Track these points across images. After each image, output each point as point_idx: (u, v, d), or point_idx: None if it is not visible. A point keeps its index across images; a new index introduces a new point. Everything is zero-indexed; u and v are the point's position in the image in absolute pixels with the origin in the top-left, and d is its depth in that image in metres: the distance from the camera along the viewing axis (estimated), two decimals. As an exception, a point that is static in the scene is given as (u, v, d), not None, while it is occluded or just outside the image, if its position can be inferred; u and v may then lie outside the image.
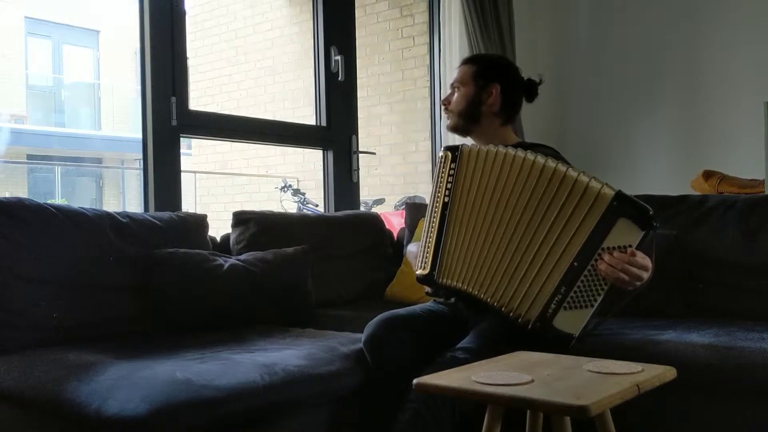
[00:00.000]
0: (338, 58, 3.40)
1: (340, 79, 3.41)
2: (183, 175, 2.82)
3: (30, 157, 12.76)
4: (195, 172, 7.76)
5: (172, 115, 2.73)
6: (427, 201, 2.02)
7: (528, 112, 3.87)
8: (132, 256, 2.22)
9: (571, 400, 1.23)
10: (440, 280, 1.90)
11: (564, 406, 1.23)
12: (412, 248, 2.21)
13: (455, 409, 1.71)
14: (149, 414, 1.46)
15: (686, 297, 2.41)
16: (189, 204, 7.46)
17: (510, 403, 1.31)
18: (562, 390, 1.30)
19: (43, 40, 14.04)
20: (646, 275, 1.74)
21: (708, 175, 3.25)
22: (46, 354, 1.86)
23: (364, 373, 1.91)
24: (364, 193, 4.15)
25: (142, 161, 2.80)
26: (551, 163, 1.80)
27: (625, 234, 1.72)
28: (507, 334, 1.84)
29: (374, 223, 3.13)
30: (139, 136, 2.75)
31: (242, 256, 2.44)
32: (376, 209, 5.34)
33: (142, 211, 2.66)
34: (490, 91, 2.15)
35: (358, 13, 3.63)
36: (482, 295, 1.85)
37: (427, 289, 1.98)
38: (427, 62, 4.66)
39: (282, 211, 5.39)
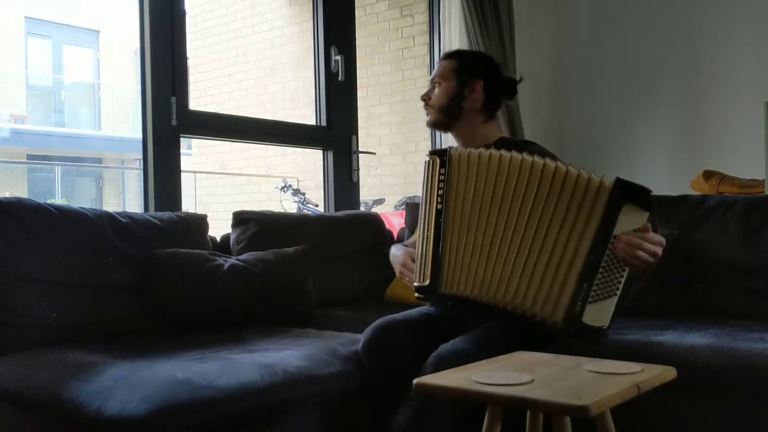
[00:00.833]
0: (338, 58, 3.40)
1: (340, 79, 3.41)
2: (183, 175, 2.82)
3: (30, 157, 12.76)
4: (195, 172, 7.76)
5: (172, 115, 2.73)
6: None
7: (528, 111, 3.89)
8: (132, 256, 2.22)
9: (571, 400, 1.23)
10: (444, 290, 1.87)
11: (564, 406, 1.23)
12: (395, 251, 2.13)
13: (456, 406, 1.71)
14: (149, 414, 1.46)
15: (686, 297, 2.41)
16: (189, 204, 7.45)
17: (510, 403, 1.31)
18: (562, 390, 1.30)
19: (43, 40, 14.05)
20: (660, 250, 1.74)
21: (708, 175, 3.25)
22: (46, 354, 1.86)
23: (364, 375, 1.91)
24: (364, 193, 4.15)
25: (142, 161, 2.80)
26: (550, 163, 1.79)
27: (633, 218, 1.72)
28: (512, 334, 1.83)
29: (374, 223, 3.13)
30: (139, 136, 2.75)
31: (242, 256, 2.44)
32: (376, 209, 5.34)
33: (142, 211, 2.66)
34: (473, 87, 2.12)
35: (358, 13, 3.63)
36: (496, 301, 1.82)
37: (418, 294, 1.95)
38: (427, 62, 4.66)
39: (282, 211, 5.38)
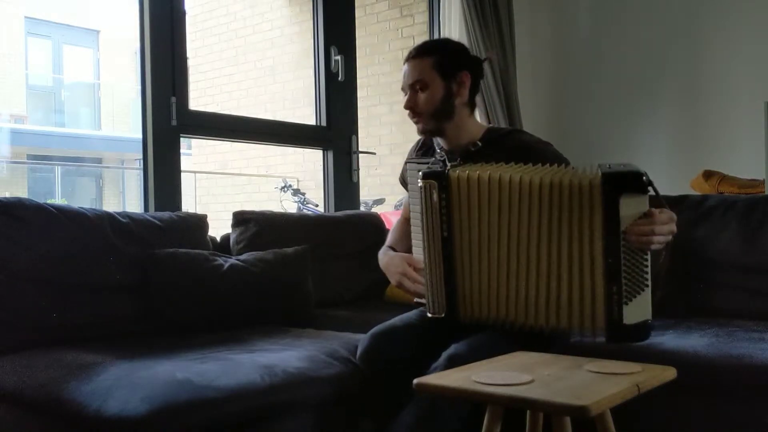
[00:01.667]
0: (338, 58, 3.40)
1: (340, 79, 3.41)
2: (183, 175, 2.82)
3: (30, 157, 12.76)
4: (195, 172, 7.76)
5: (172, 115, 2.73)
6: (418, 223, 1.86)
7: (528, 111, 3.89)
8: (132, 256, 2.22)
9: (571, 400, 1.23)
10: (464, 317, 1.81)
11: (564, 406, 1.23)
12: (387, 259, 2.01)
13: (462, 408, 1.70)
14: (149, 414, 1.46)
15: (686, 297, 2.40)
16: (189, 204, 7.45)
17: (510, 403, 1.31)
18: (562, 390, 1.30)
19: (43, 40, 14.04)
20: (674, 226, 1.68)
21: (708, 175, 3.25)
22: (46, 354, 1.85)
23: (364, 376, 1.91)
24: (364, 193, 4.15)
25: (142, 161, 2.80)
26: (546, 179, 1.72)
27: (634, 206, 1.65)
28: (521, 334, 1.81)
29: (374, 223, 3.13)
30: (139, 136, 2.75)
31: (242, 256, 2.44)
32: (376, 209, 5.34)
33: (142, 211, 2.66)
34: (461, 80, 1.95)
35: (358, 13, 3.63)
36: (527, 324, 1.76)
37: (420, 300, 1.90)
38: (427, 62, 4.65)
39: (282, 211, 5.38)
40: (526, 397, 1.28)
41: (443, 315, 1.81)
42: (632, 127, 3.96)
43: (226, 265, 2.32)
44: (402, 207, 2.23)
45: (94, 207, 2.31)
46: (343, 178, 3.44)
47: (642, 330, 1.70)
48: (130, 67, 14.13)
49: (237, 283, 2.31)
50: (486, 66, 2.12)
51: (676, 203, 2.55)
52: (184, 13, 2.78)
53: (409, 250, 1.97)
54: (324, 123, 3.42)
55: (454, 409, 1.71)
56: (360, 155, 3.51)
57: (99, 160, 14.00)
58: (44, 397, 1.64)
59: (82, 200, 12.26)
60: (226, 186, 7.69)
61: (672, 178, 3.57)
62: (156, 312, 2.21)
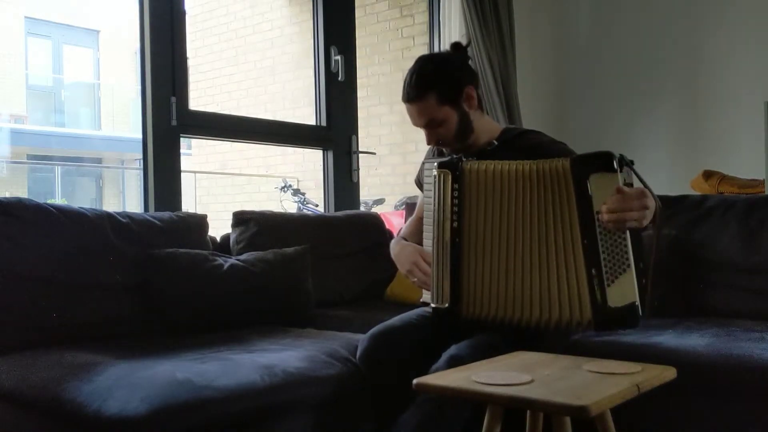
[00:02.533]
0: (338, 58, 3.40)
1: (340, 79, 3.41)
2: (183, 175, 2.82)
3: (30, 157, 12.76)
4: (195, 172, 7.76)
5: (172, 115, 2.73)
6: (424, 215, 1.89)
7: (528, 111, 3.89)
8: (132, 256, 2.22)
9: (571, 400, 1.23)
10: (466, 312, 1.81)
11: (564, 406, 1.24)
12: (399, 247, 2.02)
13: (466, 409, 1.70)
14: (149, 414, 1.46)
15: (686, 297, 2.41)
16: (189, 204, 7.45)
17: (510, 403, 1.31)
18: (562, 390, 1.30)
19: (43, 40, 14.04)
20: (648, 201, 1.65)
21: (708, 175, 3.25)
22: (46, 354, 1.86)
23: (364, 376, 1.91)
24: (364, 193, 4.15)
25: (142, 161, 2.80)
26: (533, 166, 1.74)
27: (604, 186, 1.65)
28: (522, 334, 1.81)
29: (374, 223, 3.13)
30: (139, 136, 2.75)
31: (242, 256, 2.44)
32: (376, 209, 5.34)
33: (142, 211, 2.66)
34: (468, 96, 1.96)
35: (358, 13, 3.63)
36: (524, 321, 1.76)
37: (426, 299, 1.90)
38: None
39: (282, 211, 5.38)
40: (526, 397, 1.28)
41: (446, 306, 1.81)
42: (632, 127, 3.96)
43: (226, 265, 2.32)
44: (417, 206, 2.23)
45: (94, 207, 2.31)
46: (343, 178, 3.44)
47: (629, 314, 1.67)
48: (130, 67, 14.13)
49: (237, 283, 2.31)
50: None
51: (676, 203, 2.56)
52: (184, 13, 2.78)
53: (420, 245, 1.97)
54: (324, 123, 3.42)
55: (457, 410, 1.70)
56: (360, 155, 3.51)
57: (99, 160, 14.00)
58: (44, 397, 1.64)
59: (82, 200, 12.26)
60: (226, 186, 7.69)
61: (672, 178, 3.58)
62: (156, 312, 2.21)
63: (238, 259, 2.40)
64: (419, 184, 2.15)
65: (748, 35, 3.61)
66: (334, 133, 3.42)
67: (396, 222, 4.21)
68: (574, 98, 4.18)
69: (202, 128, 3.00)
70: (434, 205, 1.82)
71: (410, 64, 2.02)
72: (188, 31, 2.82)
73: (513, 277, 1.76)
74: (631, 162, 1.70)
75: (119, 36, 14.10)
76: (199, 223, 2.51)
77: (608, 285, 1.67)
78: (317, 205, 5.69)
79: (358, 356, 1.92)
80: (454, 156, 1.94)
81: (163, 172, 2.71)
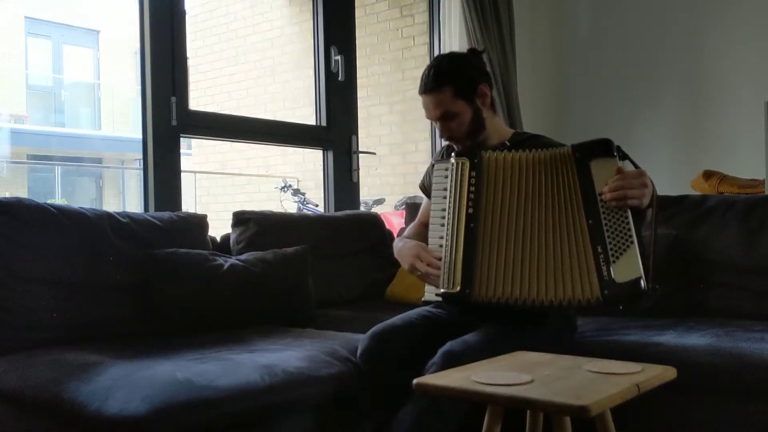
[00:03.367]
0: (338, 58, 3.40)
1: (340, 79, 3.41)
2: (183, 175, 2.82)
3: (30, 157, 12.75)
4: (195, 172, 7.75)
5: (172, 115, 2.73)
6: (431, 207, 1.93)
7: (528, 110, 3.89)
8: (132, 256, 2.22)
9: (571, 400, 1.23)
10: (478, 295, 1.82)
11: (564, 406, 1.23)
12: (402, 244, 2.03)
13: (462, 406, 1.70)
14: (149, 414, 1.46)
15: (686, 297, 2.41)
16: (189, 204, 7.45)
17: (510, 403, 1.31)
18: (562, 390, 1.30)
19: (43, 40, 14.04)
20: (646, 179, 1.74)
21: (708, 175, 3.25)
22: (46, 354, 1.86)
23: (364, 376, 1.91)
24: (364, 193, 4.15)
25: (142, 161, 2.80)
26: (547, 153, 1.83)
27: (605, 170, 1.76)
28: (519, 332, 1.84)
29: (374, 223, 3.13)
30: (139, 136, 2.75)
31: (242, 256, 2.44)
32: (376, 209, 5.34)
33: (142, 211, 2.66)
34: (482, 93, 2.02)
35: (358, 13, 3.63)
36: (536, 301, 1.79)
37: (440, 296, 1.90)
38: (427, 62, 4.65)
39: (282, 211, 5.38)
40: (527, 397, 1.28)
41: (457, 290, 1.82)
42: (632, 127, 3.96)
43: (226, 265, 2.32)
44: (420, 212, 2.25)
45: (94, 207, 2.31)
46: (343, 178, 3.44)
47: (634, 287, 1.72)
48: (130, 67, 14.13)
49: (237, 283, 2.31)
50: (486, 65, 2.14)
51: (676, 203, 2.56)
52: (184, 13, 2.78)
53: None
54: (324, 123, 3.42)
55: (453, 407, 1.71)
56: (360, 155, 3.51)
57: (99, 160, 14.00)
58: (44, 397, 1.64)
59: (82, 200, 12.26)
60: (226, 186, 7.69)
61: (672, 178, 3.58)
62: (156, 312, 2.21)
63: (238, 259, 2.40)
64: (424, 188, 2.18)
65: (748, 35, 3.61)
66: (334, 133, 3.42)
67: (396, 222, 4.21)
68: (574, 98, 4.18)
69: (202, 128, 3.00)
70: (450, 192, 1.87)
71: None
72: (188, 31, 2.82)
73: (529, 258, 1.81)
74: (626, 156, 1.82)
75: (119, 36, 14.09)
76: (199, 223, 2.51)
77: (613, 261, 1.73)
78: (317, 205, 5.69)
79: (358, 355, 1.92)
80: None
81: (163, 172, 2.72)
